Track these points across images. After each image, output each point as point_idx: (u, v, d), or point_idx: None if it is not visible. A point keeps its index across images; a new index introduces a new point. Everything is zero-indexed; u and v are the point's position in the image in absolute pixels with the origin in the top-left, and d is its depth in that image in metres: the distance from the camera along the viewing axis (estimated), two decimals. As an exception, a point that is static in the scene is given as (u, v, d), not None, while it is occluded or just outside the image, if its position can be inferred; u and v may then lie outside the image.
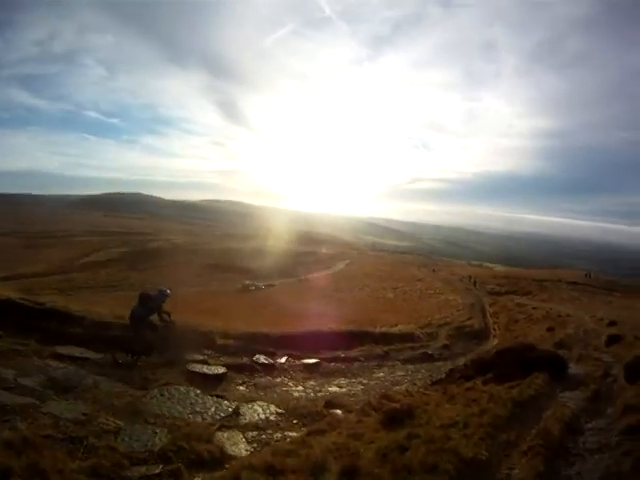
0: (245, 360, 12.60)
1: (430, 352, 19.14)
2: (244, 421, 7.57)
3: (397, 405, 7.93)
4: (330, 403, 9.19)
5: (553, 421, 6.67)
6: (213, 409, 7.85)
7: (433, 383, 12.29)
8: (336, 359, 15.02)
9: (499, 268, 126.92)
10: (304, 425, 7.67)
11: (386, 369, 15.30)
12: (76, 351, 10.29)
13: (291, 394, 10.84)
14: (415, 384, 13.17)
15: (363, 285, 65.34)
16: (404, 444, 5.59)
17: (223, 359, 12.09)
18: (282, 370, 12.88)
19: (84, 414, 6.41)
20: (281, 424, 7.67)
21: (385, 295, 53.98)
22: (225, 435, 6.60)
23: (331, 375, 13.49)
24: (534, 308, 35.70)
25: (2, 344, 9.60)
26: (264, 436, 6.92)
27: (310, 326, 18.21)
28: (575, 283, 63.99)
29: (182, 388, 8.47)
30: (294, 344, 15.00)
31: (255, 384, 11.19)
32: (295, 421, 7.93)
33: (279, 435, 7.04)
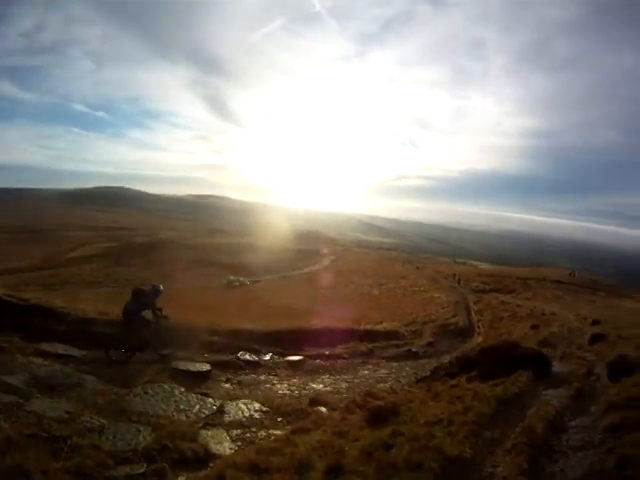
0: (229, 357, 12.57)
1: (414, 350, 19.19)
2: (228, 419, 7.57)
3: (381, 403, 7.95)
4: (315, 401, 9.22)
5: (537, 419, 6.73)
6: (197, 407, 7.85)
7: (417, 381, 12.32)
8: (321, 356, 15.03)
9: (483, 266, 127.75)
10: (289, 423, 7.69)
11: (370, 366, 15.31)
12: (60, 348, 10.21)
13: (275, 392, 10.82)
14: (399, 382, 13.18)
15: (348, 282, 65.57)
16: (389, 442, 5.62)
17: (207, 356, 12.05)
18: (266, 367, 12.86)
19: (68, 412, 6.37)
20: (265, 422, 7.69)
21: (370, 292, 54.20)
22: (209, 433, 6.60)
23: (315, 372, 13.50)
24: (518, 306, 35.89)
25: (-15, 341, 9.53)
26: (248, 434, 6.94)
27: (294, 323, 18.18)
28: (559, 282, 64.44)
29: (166, 386, 8.45)
30: (278, 341, 15.00)
31: (239, 381, 11.16)
32: (279, 419, 7.95)
33: (263, 433, 7.06)
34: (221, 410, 7.87)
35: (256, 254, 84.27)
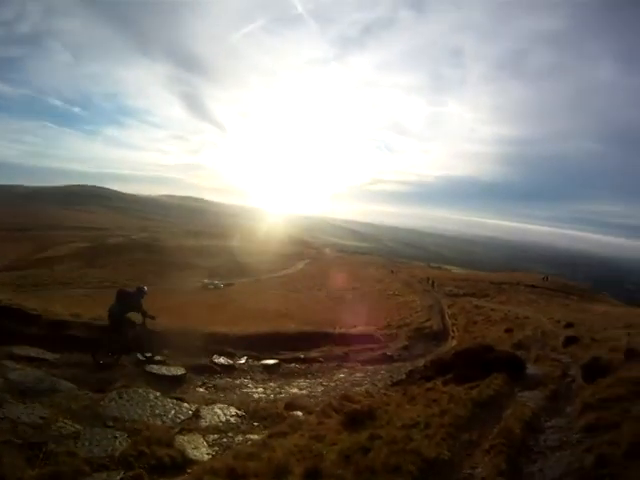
0: (204, 361, 12.53)
1: (389, 353, 19.35)
2: (205, 424, 7.52)
3: (358, 406, 7.98)
4: (291, 405, 9.22)
5: (514, 420, 6.85)
6: (173, 412, 7.77)
7: (393, 384, 12.44)
8: (296, 360, 15.09)
9: (457, 270, 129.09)
10: (265, 427, 7.66)
11: (346, 370, 15.40)
12: (33, 352, 10.05)
13: (251, 396, 10.80)
14: (375, 385, 13.28)
15: (322, 285, 65.69)
16: (366, 445, 5.67)
17: (182, 360, 11.99)
18: (242, 371, 12.87)
19: (42, 418, 6.26)
20: (242, 426, 7.66)
21: (344, 296, 54.30)
22: (186, 439, 6.54)
23: (291, 376, 13.54)
24: (492, 310, 36.41)
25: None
26: (225, 439, 6.90)
27: (269, 326, 18.19)
28: (533, 286, 65.48)
29: (141, 390, 8.35)
30: (253, 345, 15.00)
31: (215, 385, 11.15)
32: (256, 423, 7.91)
33: (240, 438, 7.02)
34: (197, 415, 7.80)
35: (231, 257, 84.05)
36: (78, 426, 6.25)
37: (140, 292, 11.59)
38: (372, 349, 19.57)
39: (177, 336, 13.02)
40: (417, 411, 7.73)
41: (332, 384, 13.30)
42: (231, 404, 8.69)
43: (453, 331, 29.25)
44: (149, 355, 11.46)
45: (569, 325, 23.09)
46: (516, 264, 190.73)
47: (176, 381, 10.43)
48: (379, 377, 14.87)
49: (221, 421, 7.76)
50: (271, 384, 12.27)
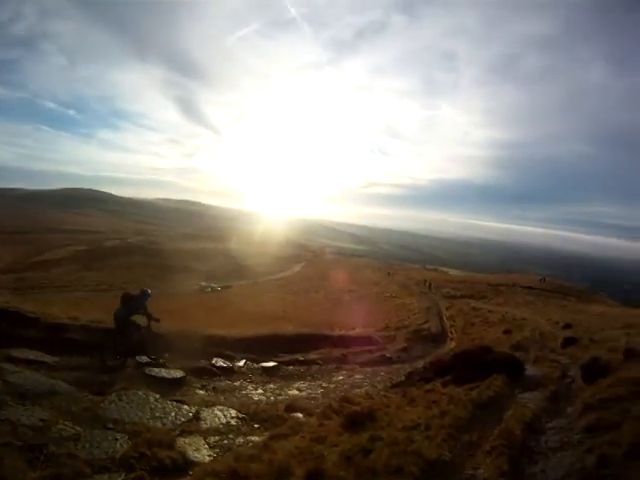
0: (203, 363, 12.51)
1: (388, 355, 19.34)
2: (205, 426, 7.51)
3: (358, 408, 7.94)
4: (291, 407, 9.21)
5: (514, 421, 6.82)
6: (173, 414, 7.76)
7: (393, 386, 12.40)
8: (295, 362, 15.06)
9: (454, 272, 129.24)
10: (266, 429, 7.65)
11: (345, 372, 15.36)
12: (31, 354, 10.02)
13: (251, 398, 10.77)
14: (375, 387, 13.24)
15: (319, 288, 65.60)
16: (367, 447, 5.64)
17: (181, 362, 11.96)
18: (241, 373, 12.84)
19: (42, 420, 6.24)
20: (242, 428, 7.65)
21: (341, 298, 54.24)
22: (187, 440, 6.52)
23: (290, 378, 13.52)
24: (490, 312, 36.46)
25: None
26: (226, 441, 6.88)
27: (268, 329, 18.17)
28: (530, 288, 65.69)
29: (141, 392, 8.34)
30: (252, 347, 15.00)
31: (214, 388, 11.10)
32: (256, 425, 7.91)
33: (241, 440, 7.00)
34: (197, 417, 7.80)
35: (228, 260, 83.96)
36: (78, 428, 6.23)
37: (144, 295, 11.76)
38: (371, 351, 19.57)
39: (176, 339, 13.01)
40: (417, 412, 7.70)
41: (331, 386, 13.27)
42: (231, 406, 8.69)
43: (451, 333, 29.27)
44: (154, 357, 11.48)
45: (567, 326, 23.08)
46: (511, 265, 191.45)
47: (176, 384, 10.38)
48: (378, 379, 14.83)
49: (222, 423, 7.76)
50: (271, 386, 12.23)
